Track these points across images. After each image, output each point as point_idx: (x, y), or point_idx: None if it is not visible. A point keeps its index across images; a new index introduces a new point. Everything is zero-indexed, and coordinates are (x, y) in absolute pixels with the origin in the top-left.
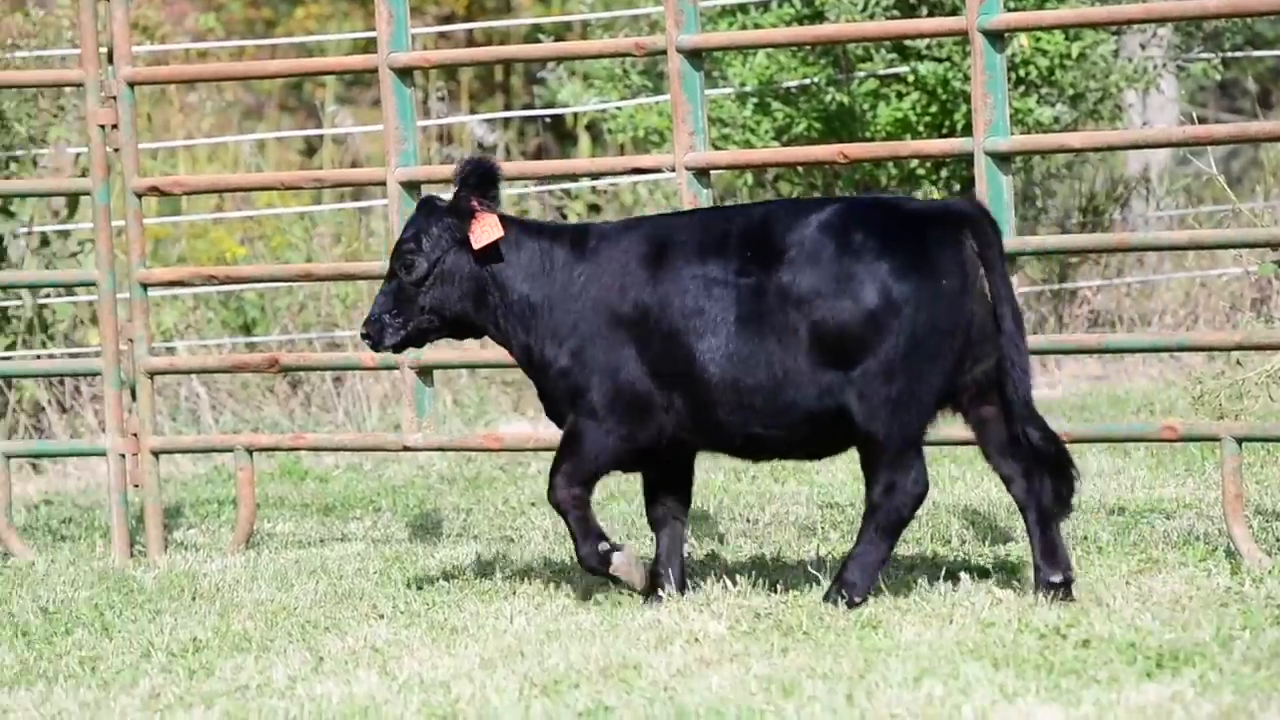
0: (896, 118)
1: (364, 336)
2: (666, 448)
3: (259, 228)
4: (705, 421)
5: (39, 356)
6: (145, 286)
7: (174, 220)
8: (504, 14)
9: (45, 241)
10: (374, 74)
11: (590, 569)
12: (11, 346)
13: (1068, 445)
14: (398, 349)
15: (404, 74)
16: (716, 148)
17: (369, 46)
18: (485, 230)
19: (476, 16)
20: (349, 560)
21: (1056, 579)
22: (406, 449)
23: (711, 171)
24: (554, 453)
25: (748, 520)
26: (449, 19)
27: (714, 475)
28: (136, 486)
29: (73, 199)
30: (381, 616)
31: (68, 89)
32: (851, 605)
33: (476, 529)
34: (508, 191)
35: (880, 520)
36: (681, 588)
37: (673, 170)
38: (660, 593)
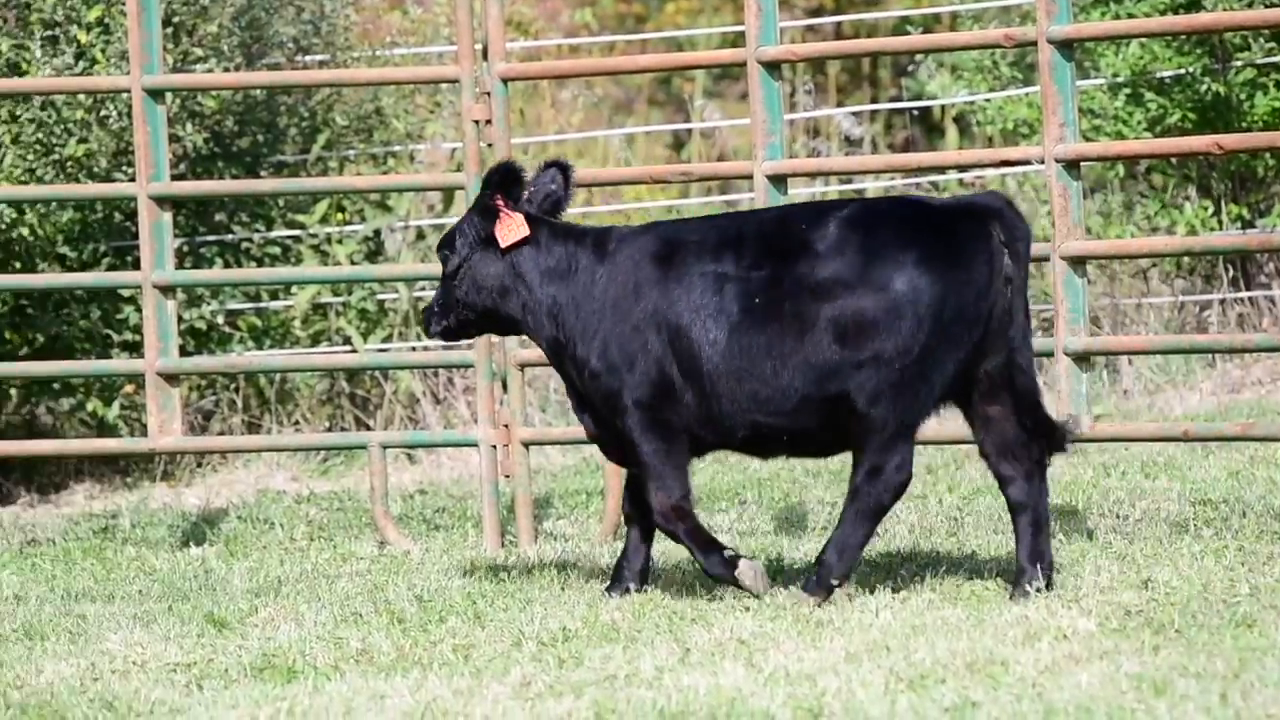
0: (1275, 107)
1: (424, 321)
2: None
3: (627, 221)
4: (710, 413)
5: (414, 349)
6: None
7: None
8: (872, 6)
9: (421, 235)
10: (742, 68)
11: (717, 578)
12: (388, 339)
13: None
14: (444, 337)
15: (772, 67)
16: (1087, 139)
17: (737, 41)
18: (511, 230)
19: (845, 9)
20: None
21: (1038, 584)
22: None
23: (1081, 163)
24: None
25: (1117, 516)
26: (817, 12)
27: (1083, 472)
28: (508, 477)
29: (447, 193)
30: (747, 609)
31: (444, 85)
32: (827, 588)
33: None
34: (875, 184)
35: (860, 506)
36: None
37: (1042, 162)
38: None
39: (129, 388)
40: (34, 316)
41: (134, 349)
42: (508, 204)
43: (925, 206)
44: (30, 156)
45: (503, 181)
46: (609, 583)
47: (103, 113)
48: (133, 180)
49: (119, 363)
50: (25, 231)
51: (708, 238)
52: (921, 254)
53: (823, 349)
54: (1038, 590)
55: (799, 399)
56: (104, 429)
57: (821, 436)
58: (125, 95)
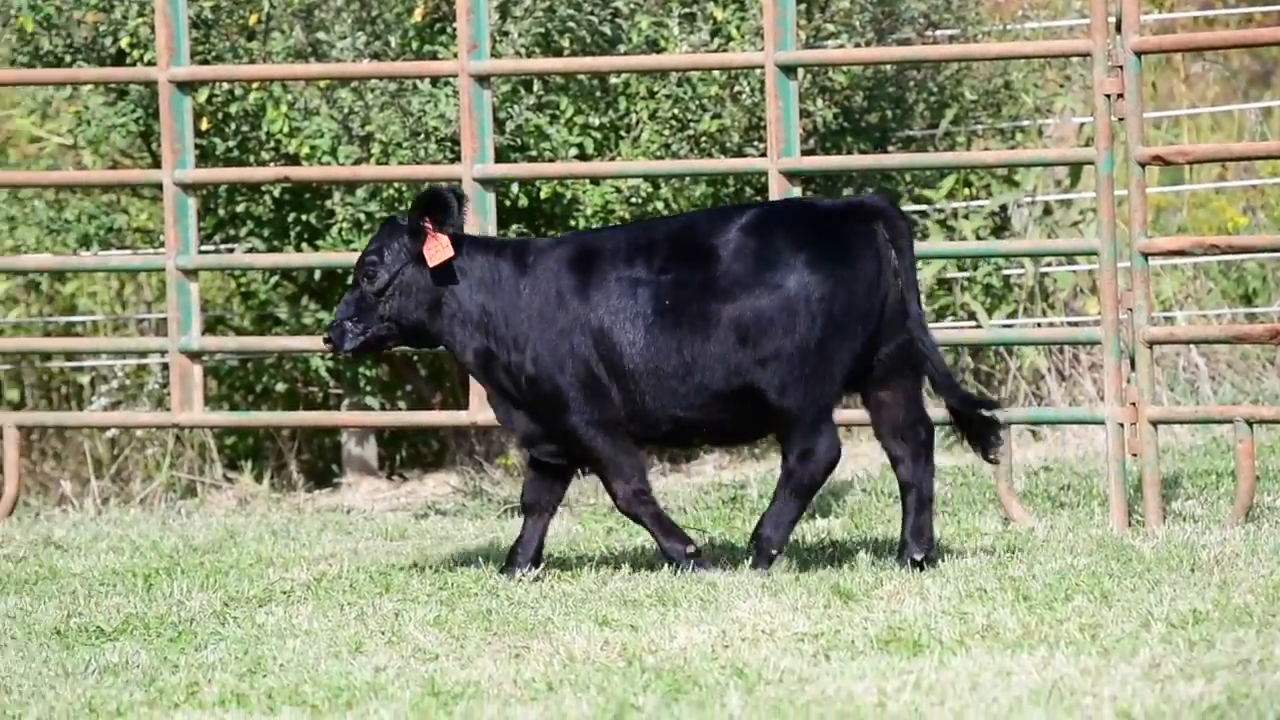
0: None
1: (325, 340)
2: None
3: (1262, 197)
4: (634, 409)
5: (1039, 324)
6: (1146, 256)
7: (1176, 190)
8: None
9: (1048, 210)
10: None
11: (675, 562)
12: (1013, 314)
13: None
14: (356, 353)
15: None
16: None
17: None
18: (438, 251)
19: None
20: None
21: (918, 556)
22: None
23: None
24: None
25: None
26: None
27: None
28: (1135, 456)
29: (1075, 168)
30: None
31: (1074, 59)
32: (769, 559)
33: None
34: None
35: (794, 484)
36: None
37: None
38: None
39: None
40: None
41: None
42: (435, 226)
43: (815, 209)
44: (666, 132)
45: (429, 207)
46: (504, 564)
47: (736, 89)
48: (764, 155)
49: None
50: (660, 205)
51: (620, 246)
52: (811, 255)
53: (728, 348)
54: (915, 563)
55: (710, 395)
56: None
57: (736, 428)
58: (758, 71)
